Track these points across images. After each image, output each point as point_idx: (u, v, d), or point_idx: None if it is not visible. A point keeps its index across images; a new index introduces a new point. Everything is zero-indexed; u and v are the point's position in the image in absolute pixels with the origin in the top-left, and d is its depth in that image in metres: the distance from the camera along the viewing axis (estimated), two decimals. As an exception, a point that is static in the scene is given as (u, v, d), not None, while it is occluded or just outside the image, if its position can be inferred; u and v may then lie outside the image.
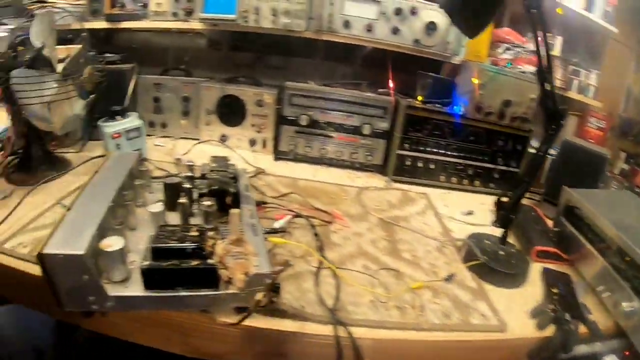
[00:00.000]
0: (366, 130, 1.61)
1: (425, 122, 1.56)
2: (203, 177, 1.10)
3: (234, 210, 0.91)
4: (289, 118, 1.61)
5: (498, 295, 1.00)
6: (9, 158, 1.34)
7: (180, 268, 0.76)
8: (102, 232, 0.83)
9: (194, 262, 0.77)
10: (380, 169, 1.67)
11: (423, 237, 1.21)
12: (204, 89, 1.66)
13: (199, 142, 1.70)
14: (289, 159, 1.66)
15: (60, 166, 1.34)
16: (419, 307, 0.91)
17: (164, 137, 1.73)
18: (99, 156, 1.41)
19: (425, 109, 1.55)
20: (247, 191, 1.13)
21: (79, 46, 1.28)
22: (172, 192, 1.03)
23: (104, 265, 0.79)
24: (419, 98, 1.60)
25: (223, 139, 1.70)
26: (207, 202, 0.93)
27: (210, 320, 0.82)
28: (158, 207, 0.94)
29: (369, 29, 1.58)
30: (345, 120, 1.62)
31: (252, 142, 1.69)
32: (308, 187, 1.44)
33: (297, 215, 1.20)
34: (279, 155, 1.66)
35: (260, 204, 1.20)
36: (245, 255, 0.86)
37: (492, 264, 1.05)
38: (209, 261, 0.78)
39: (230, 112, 1.67)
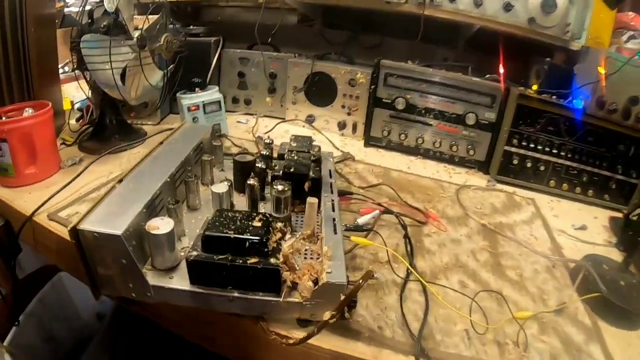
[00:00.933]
0: (470, 120, 1.40)
1: (538, 116, 1.31)
2: (281, 157, 0.97)
3: (311, 199, 0.78)
4: (383, 100, 1.45)
5: (612, 336, 0.80)
6: (85, 126, 1.33)
7: (233, 264, 0.62)
8: (152, 211, 0.73)
9: (252, 260, 0.62)
10: (482, 166, 1.45)
11: (531, 252, 1.01)
12: (292, 65, 1.55)
13: (283, 121, 1.61)
14: (381, 146, 1.50)
15: (134, 137, 1.29)
16: (522, 345, 0.74)
17: (246, 114, 1.67)
18: (172, 128, 1.34)
19: (539, 100, 1.30)
20: (330, 178, 0.98)
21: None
22: (243, 172, 0.91)
23: (149, 250, 0.68)
24: (534, 87, 1.36)
25: (310, 119, 1.58)
26: (279, 186, 0.78)
27: (264, 330, 0.68)
28: (222, 187, 0.81)
29: (478, 3, 1.35)
30: (447, 107, 1.42)
31: (342, 125, 1.55)
32: (401, 179, 1.28)
33: (386, 212, 1.03)
34: (370, 141, 1.50)
35: (344, 194, 1.06)
36: (317, 255, 0.72)
37: (612, 298, 0.83)
38: (271, 260, 0.63)
39: (320, 91, 1.55)
